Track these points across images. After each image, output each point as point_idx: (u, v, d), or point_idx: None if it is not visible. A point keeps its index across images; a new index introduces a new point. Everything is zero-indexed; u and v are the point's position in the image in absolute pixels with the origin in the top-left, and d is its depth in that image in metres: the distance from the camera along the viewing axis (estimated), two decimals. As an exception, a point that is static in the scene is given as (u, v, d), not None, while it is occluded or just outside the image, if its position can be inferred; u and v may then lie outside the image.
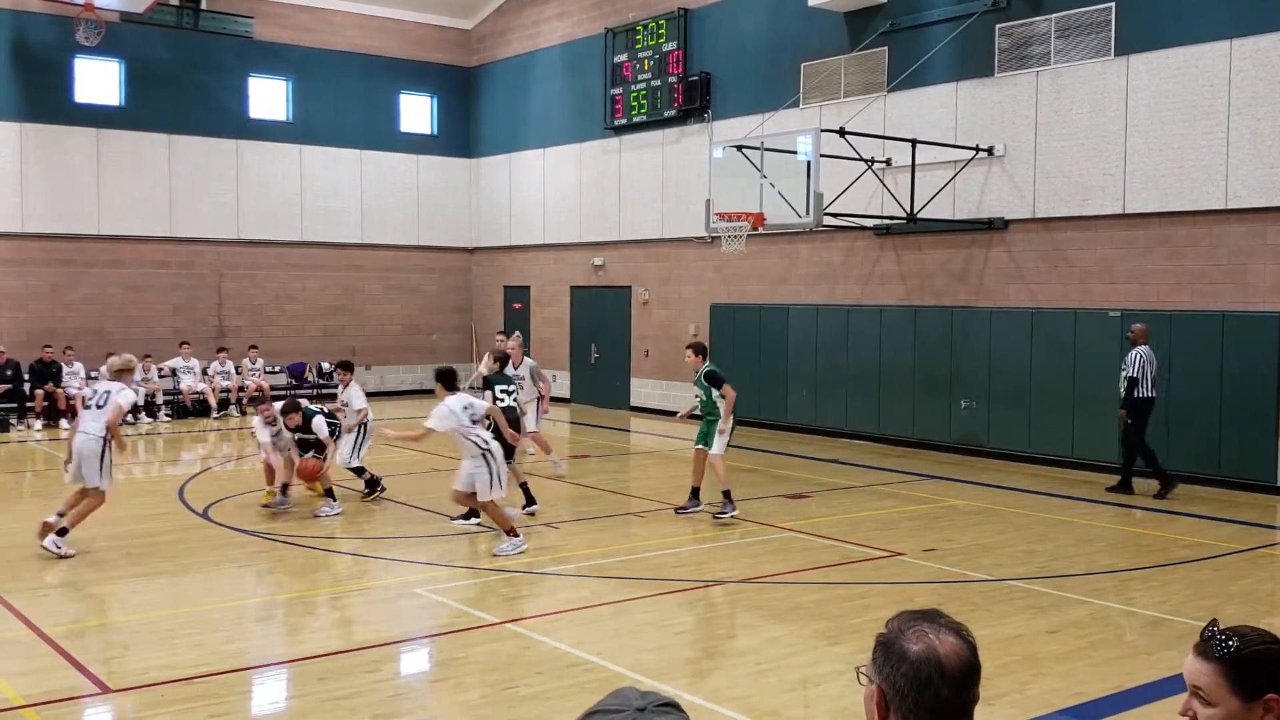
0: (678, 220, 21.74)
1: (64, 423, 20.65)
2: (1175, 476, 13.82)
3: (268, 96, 24.87)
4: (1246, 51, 13.96)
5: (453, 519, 12.03)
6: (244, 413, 22.66)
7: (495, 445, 10.86)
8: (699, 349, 12.41)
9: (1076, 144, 15.64)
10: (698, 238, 20.88)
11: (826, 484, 14.63)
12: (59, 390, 20.80)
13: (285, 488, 12.47)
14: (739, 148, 15.99)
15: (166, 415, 21.86)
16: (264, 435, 12.61)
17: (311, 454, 12.39)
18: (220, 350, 23.17)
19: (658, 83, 22.02)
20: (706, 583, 9.62)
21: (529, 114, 25.60)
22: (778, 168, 15.59)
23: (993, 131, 16.59)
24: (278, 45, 24.61)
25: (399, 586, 9.59)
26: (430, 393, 26.14)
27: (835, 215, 15.97)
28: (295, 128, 25.00)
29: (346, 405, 13.29)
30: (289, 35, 24.81)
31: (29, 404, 20.68)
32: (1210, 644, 2.33)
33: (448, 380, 11.14)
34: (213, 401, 22.26)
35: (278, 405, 12.71)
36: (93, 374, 21.47)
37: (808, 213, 14.94)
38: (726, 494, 12.07)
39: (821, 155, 15.10)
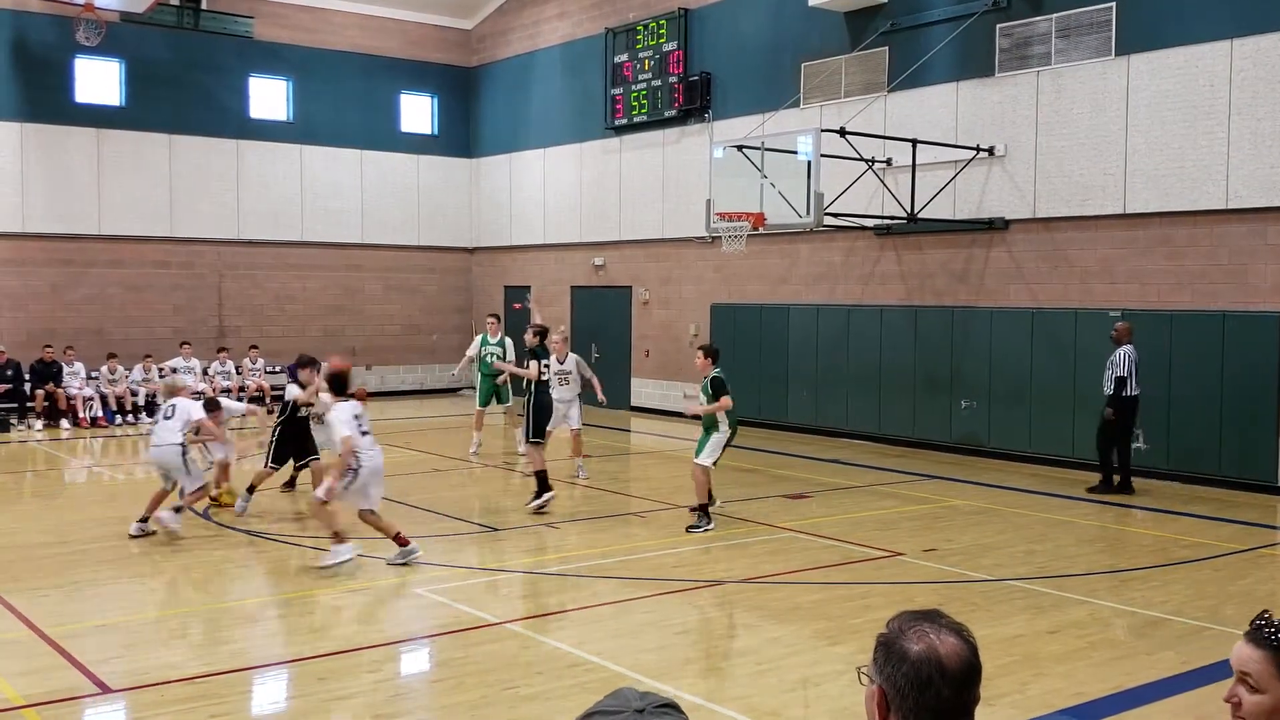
0: (678, 220, 21.74)
1: (64, 423, 20.67)
2: (1131, 483, 13.96)
3: (268, 96, 24.88)
4: (1247, 51, 13.96)
5: (526, 504, 12.51)
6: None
7: (371, 462, 10.04)
8: (710, 352, 11.92)
9: (1077, 144, 15.64)
10: (698, 238, 20.88)
11: (827, 484, 14.63)
12: (59, 390, 20.81)
13: (252, 489, 12.29)
14: (739, 148, 15.99)
15: (166, 417, 21.80)
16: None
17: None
18: (220, 350, 23.17)
19: (658, 83, 22.02)
20: (706, 583, 9.61)
21: (529, 114, 25.60)
22: (778, 168, 15.59)
23: (993, 131, 16.59)
24: (278, 45, 24.62)
25: (399, 586, 9.59)
26: (429, 393, 26.28)
27: (836, 215, 15.97)
28: (295, 128, 25.01)
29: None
30: (289, 35, 24.82)
31: (29, 404, 20.68)
32: (1262, 630, 2.35)
33: (338, 385, 10.46)
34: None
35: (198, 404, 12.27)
36: (93, 374, 21.49)
37: (808, 213, 14.94)
38: (702, 507, 11.57)
39: (822, 155, 15.09)
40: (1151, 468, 14.76)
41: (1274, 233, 13.89)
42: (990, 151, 16.57)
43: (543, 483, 12.54)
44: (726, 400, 11.59)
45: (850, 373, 18.52)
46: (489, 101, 26.88)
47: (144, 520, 11.15)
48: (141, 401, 21.61)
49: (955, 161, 16.76)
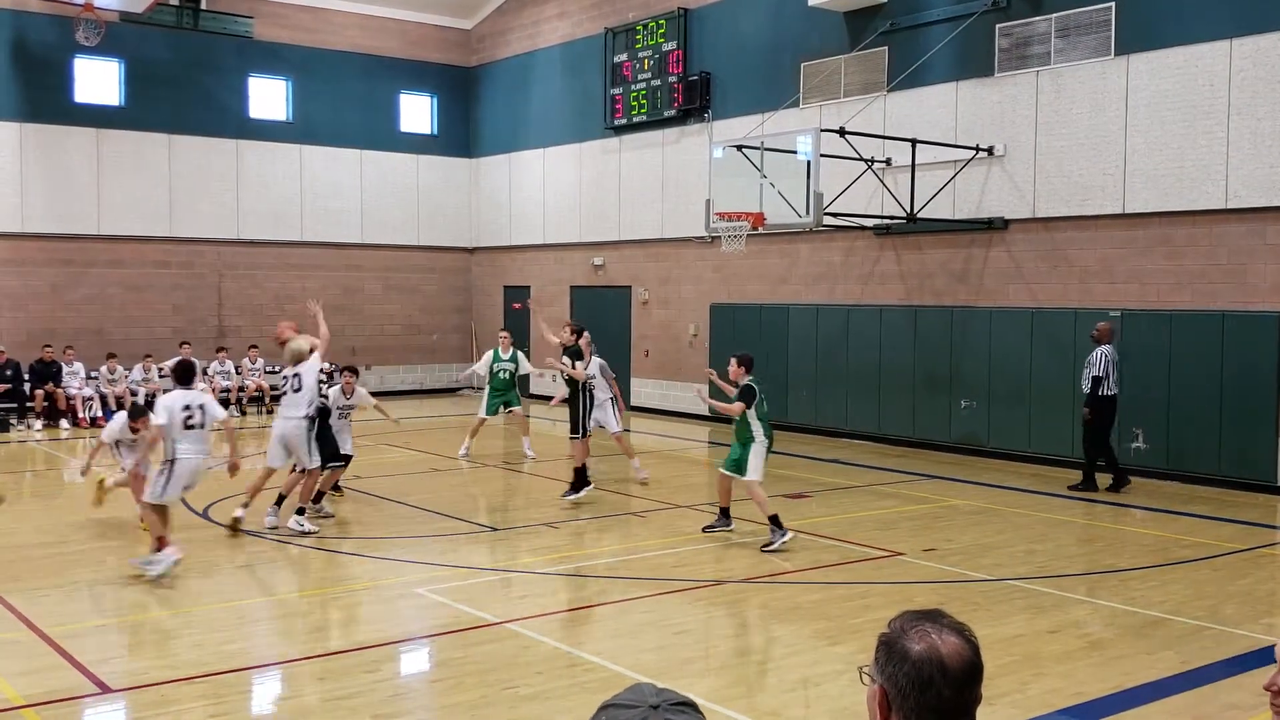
0: (678, 220, 21.74)
1: (64, 423, 20.66)
2: (1128, 473, 14.12)
3: (268, 96, 24.87)
4: (1246, 51, 13.96)
5: (561, 495, 12.61)
6: (244, 413, 22.67)
7: (190, 461, 9.61)
8: (743, 360, 11.30)
9: (1076, 144, 15.64)
10: (698, 238, 20.88)
11: (826, 484, 14.63)
12: (59, 390, 20.81)
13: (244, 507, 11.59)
14: (739, 147, 15.99)
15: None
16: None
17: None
18: (220, 350, 23.17)
19: (658, 82, 22.02)
20: (706, 583, 9.61)
21: (529, 114, 25.60)
22: (778, 168, 15.59)
23: (993, 131, 16.59)
24: (278, 45, 24.61)
25: (399, 586, 9.59)
26: (429, 393, 26.28)
27: (835, 215, 15.97)
28: (295, 128, 25.00)
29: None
30: (289, 35, 24.81)
31: (29, 404, 20.68)
32: None
33: (183, 375, 9.94)
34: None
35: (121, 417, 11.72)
36: (92, 374, 21.48)
37: (808, 213, 14.94)
38: (773, 519, 10.80)
39: (821, 155, 15.09)
40: (1151, 467, 14.78)
41: (1273, 232, 13.89)
42: (990, 151, 16.57)
43: (580, 477, 12.90)
44: (735, 407, 11.04)
45: (850, 373, 18.52)
46: (489, 101, 26.88)
47: (245, 505, 11.26)
48: (141, 401, 21.59)
49: (955, 161, 16.76)
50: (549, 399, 17.46)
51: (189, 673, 7.17)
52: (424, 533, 11.70)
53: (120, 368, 21.65)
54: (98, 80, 22.81)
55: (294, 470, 11.82)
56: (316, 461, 11.34)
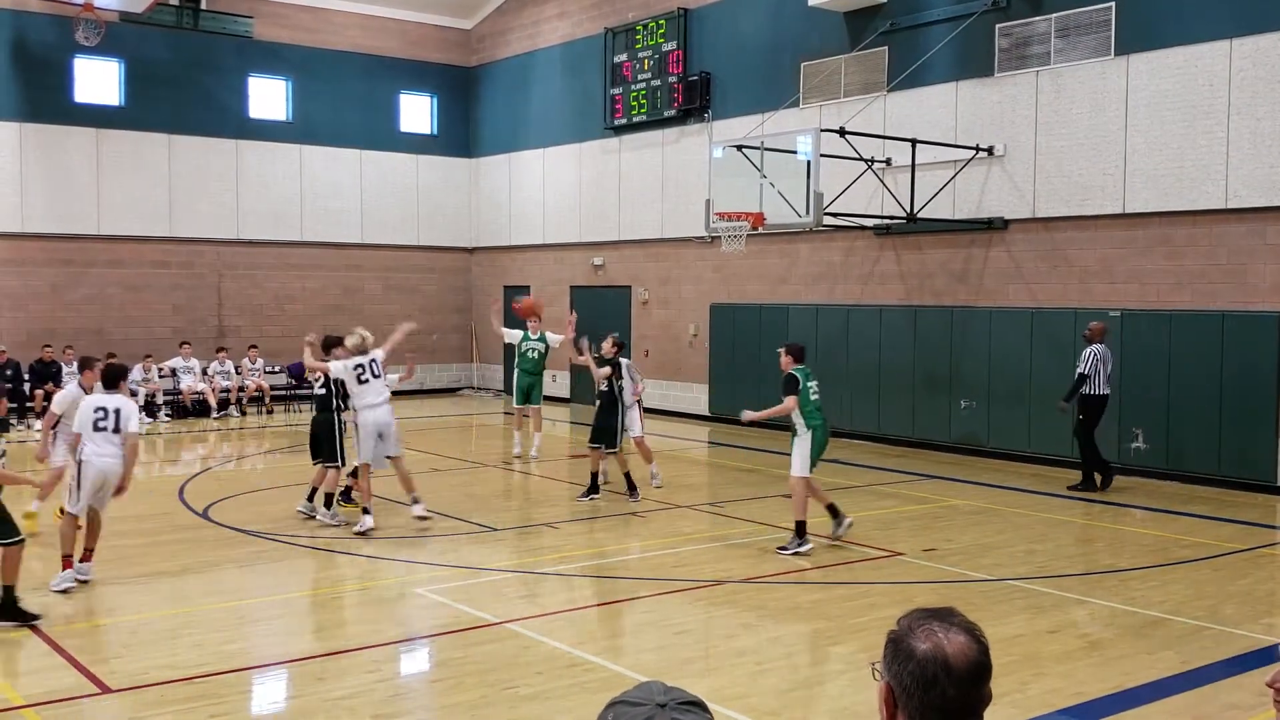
0: (678, 220, 21.73)
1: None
2: (1124, 473, 14.30)
3: (268, 96, 24.87)
4: (1246, 51, 13.96)
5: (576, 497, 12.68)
6: (244, 413, 22.67)
7: (98, 463, 9.11)
8: (791, 349, 10.98)
9: (1076, 144, 15.64)
10: (698, 237, 20.88)
11: (826, 484, 14.57)
12: (59, 390, 20.78)
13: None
14: (739, 147, 15.99)
15: (166, 415, 21.86)
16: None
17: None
18: (220, 350, 23.17)
19: (658, 82, 22.02)
20: (706, 583, 9.61)
21: (529, 114, 25.60)
22: (778, 168, 15.59)
23: (993, 131, 16.59)
24: (278, 45, 24.61)
25: (399, 586, 9.59)
26: (429, 393, 26.26)
27: (835, 215, 15.97)
28: (295, 128, 25.00)
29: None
30: (289, 35, 24.81)
31: (29, 404, 20.67)
32: None
33: (107, 378, 9.40)
34: (212, 401, 22.27)
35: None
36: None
37: (808, 212, 14.94)
38: (799, 525, 10.63)
39: (821, 155, 15.09)
40: (1151, 467, 14.78)
41: (1273, 232, 13.89)
42: (989, 151, 16.57)
43: (594, 482, 13.20)
44: (788, 403, 10.67)
45: (850, 373, 18.51)
46: (489, 101, 26.88)
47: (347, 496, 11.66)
48: (141, 401, 21.59)
49: (954, 161, 16.76)
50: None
51: (189, 673, 7.17)
52: (425, 533, 11.70)
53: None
54: (98, 80, 22.81)
55: (316, 464, 12.13)
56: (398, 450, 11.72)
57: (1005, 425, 16.45)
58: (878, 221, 17.36)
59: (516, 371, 16.74)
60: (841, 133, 15.47)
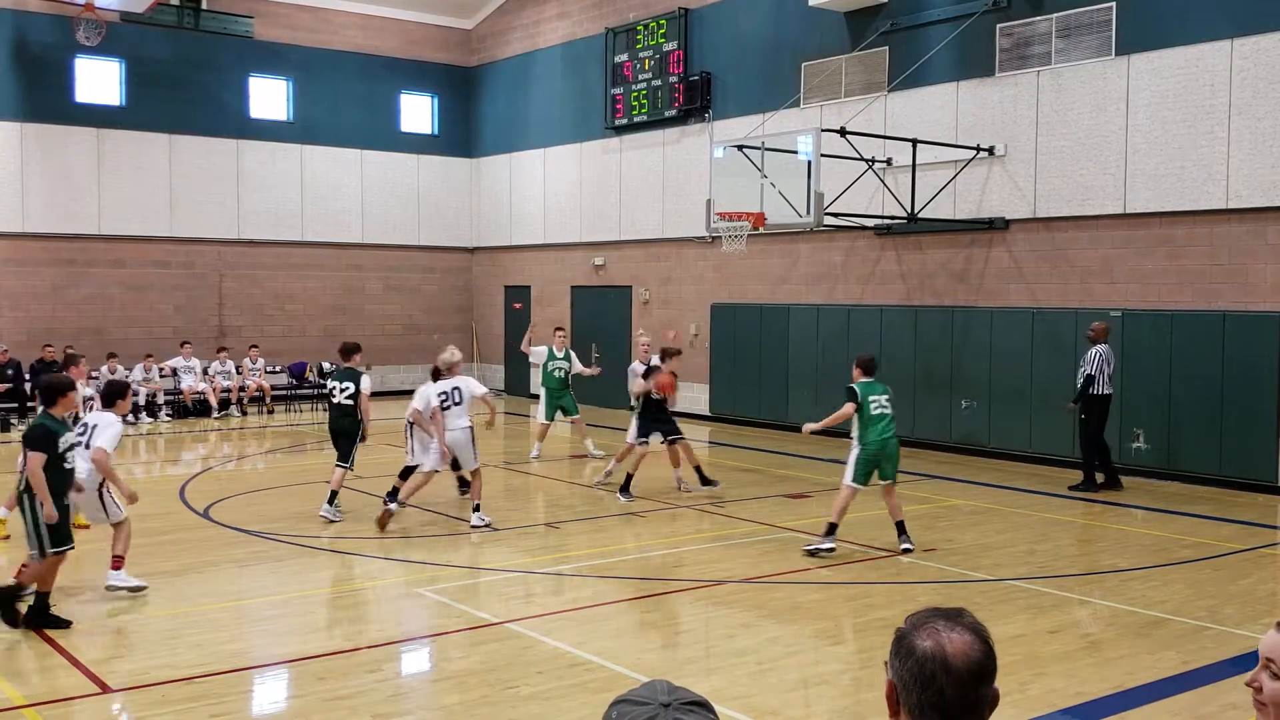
0: (678, 220, 21.74)
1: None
2: (1128, 474, 14.28)
3: (268, 96, 24.88)
4: (1247, 51, 13.96)
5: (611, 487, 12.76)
6: (244, 413, 22.68)
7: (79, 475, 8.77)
8: (859, 362, 11.01)
9: (1077, 144, 15.64)
10: (698, 237, 20.88)
11: (826, 484, 14.61)
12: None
13: None
14: (739, 147, 15.99)
15: (167, 415, 21.87)
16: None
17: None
18: (220, 350, 23.17)
19: (658, 82, 22.02)
20: (706, 583, 9.61)
21: (529, 114, 25.60)
22: (778, 167, 15.59)
23: (993, 131, 16.58)
24: (278, 45, 24.61)
25: (399, 586, 9.59)
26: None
27: (836, 215, 15.96)
28: (296, 128, 25.01)
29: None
30: (289, 35, 24.82)
31: (30, 404, 20.68)
32: None
33: (106, 398, 9.18)
34: (213, 401, 22.27)
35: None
36: (93, 374, 21.46)
37: (808, 212, 14.94)
38: (831, 526, 10.69)
39: (822, 155, 15.09)
40: (1151, 467, 14.78)
41: (1274, 232, 13.89)
42: (990, 151, 16.56)
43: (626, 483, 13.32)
44: (840, 411, 10.73)
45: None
46: (489, 101, 26.88)
47: (394, 494, 11.82)
48: (142, 401, 21.60)
49: (955, 161, 16.75)
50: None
51: (189, 673, 7.17)
52: (424, 533, 11.70)
53: (121, 368, 21.62)
54: (98, 80, 22.82)
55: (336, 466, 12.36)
56: (478, 463, 12.01)
57: (1006, 425, 16.44)
58: (878, 221, 17.36)
59: (544, 390, 16.81)
60: (842, 133, 15.47)
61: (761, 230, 15.86)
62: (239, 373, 23.06)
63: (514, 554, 10.85)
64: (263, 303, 24.76)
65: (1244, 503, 13.34)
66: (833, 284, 19.22)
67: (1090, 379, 13.77)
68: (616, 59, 22.94)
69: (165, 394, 22.06)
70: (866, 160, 16.15)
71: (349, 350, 12.63)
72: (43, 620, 8.01)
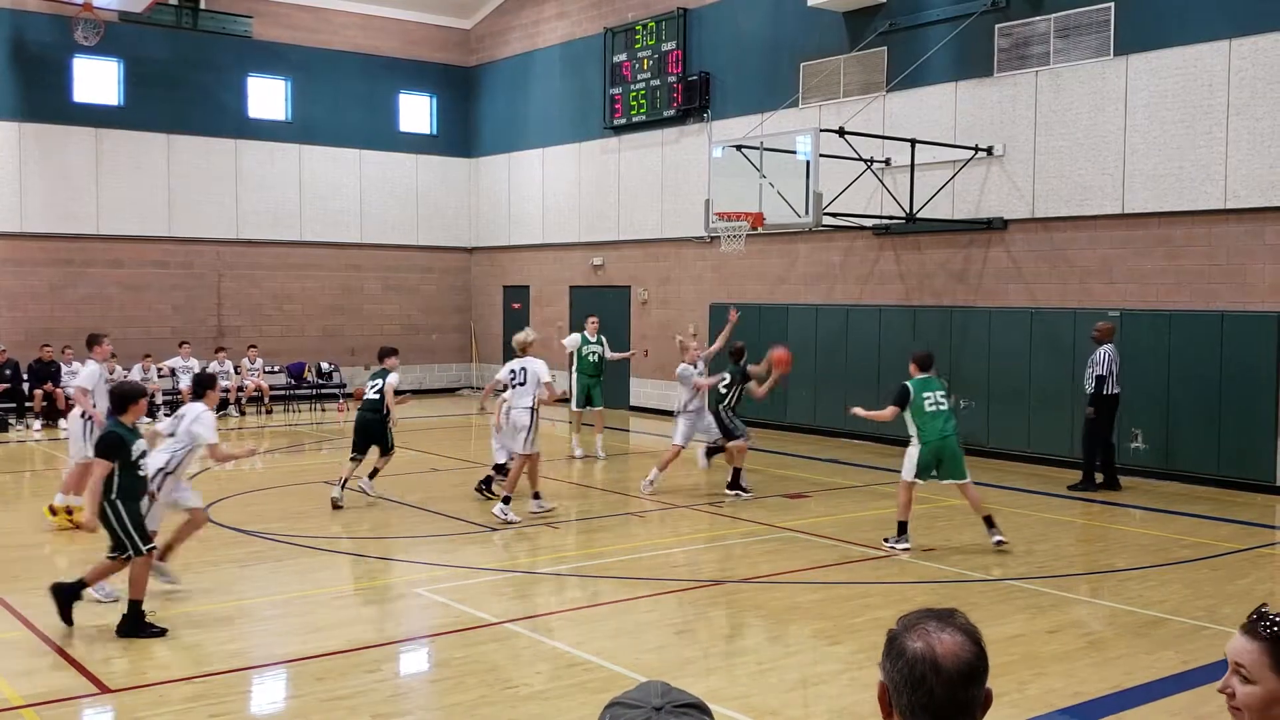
0: (677, 220, 21.74)
1: (63, 422, 20.62)
2: (1127, 473, 14.33)
3: (267, 96, 24.87)
4: (1245, 51, 13.97)
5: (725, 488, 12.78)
6: (243, 413, 22.67)
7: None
8: (915, 359, 10.90)
9: (1076, 144, 15.65)
10: (697, 237, 20.89)
11: (826, 484, 14.62)
12: (58, 390, 20.79)
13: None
14: (738, 147, 15.99)
15: (166, 415, 21.83)
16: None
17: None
18: (219, 350, 23.15)
19: (657, 82, 22.03)
20: (706, 583, 9.62)
21: (528, 114, 25.60)
22: (777, 167, 15.59)
23: (992, 131, 16.59)
24: (277, 45, 24.61)
25: (399, 586, 9.59)
26: (429, 392, 26.26)
27: (834, 215, 15.97)
28: (294, 128, 25.00)
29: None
30: (288, 35, 24.81)
31: (28, 404, 20.68)
32: (1258, 624, 2.40)
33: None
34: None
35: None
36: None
37: (807, 213, 14.94)
38: (899, 525, 10.78)
39: (821, 155, 15.10)
40: (1150, 467, 14.79)
41: (1272, 233, 13.90)
42: (989, 151, 16.57)
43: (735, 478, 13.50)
44: (882, 411, 10.79)
45: (849, 373, 18.52)
46: (488, 101, 26.88)
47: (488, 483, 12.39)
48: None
49: (954, 161, 16.76)
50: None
51: (189, 673, 7.18)
52: (424, 533, 11.71)
53: (119, 368, 21.60)
54: (97, 80, 22.81)
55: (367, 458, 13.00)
56: (535, 448, 12.11)
57: (1004, 425, 16.45)
58: (877, 222, 17.37)
59: (576, 375, 17.02)
60: (841, 133, 15.47)
61: (760, 230, 15.87)
62: (237, 373, 23.05)
63: (513, 554, 10.85)
64: (261, 303, 24.75)
65: (1242, 503, 13.36)
66: (831, 284, 19.23)
67: (1102, 379, 13.76)
68: (615, 59, 22.94)
69: (163, 394, 22.04)
70: (865, 160, 16.16)
71: (384, 353, 13.63)
72: (137, 629, 7.87)
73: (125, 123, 22.95)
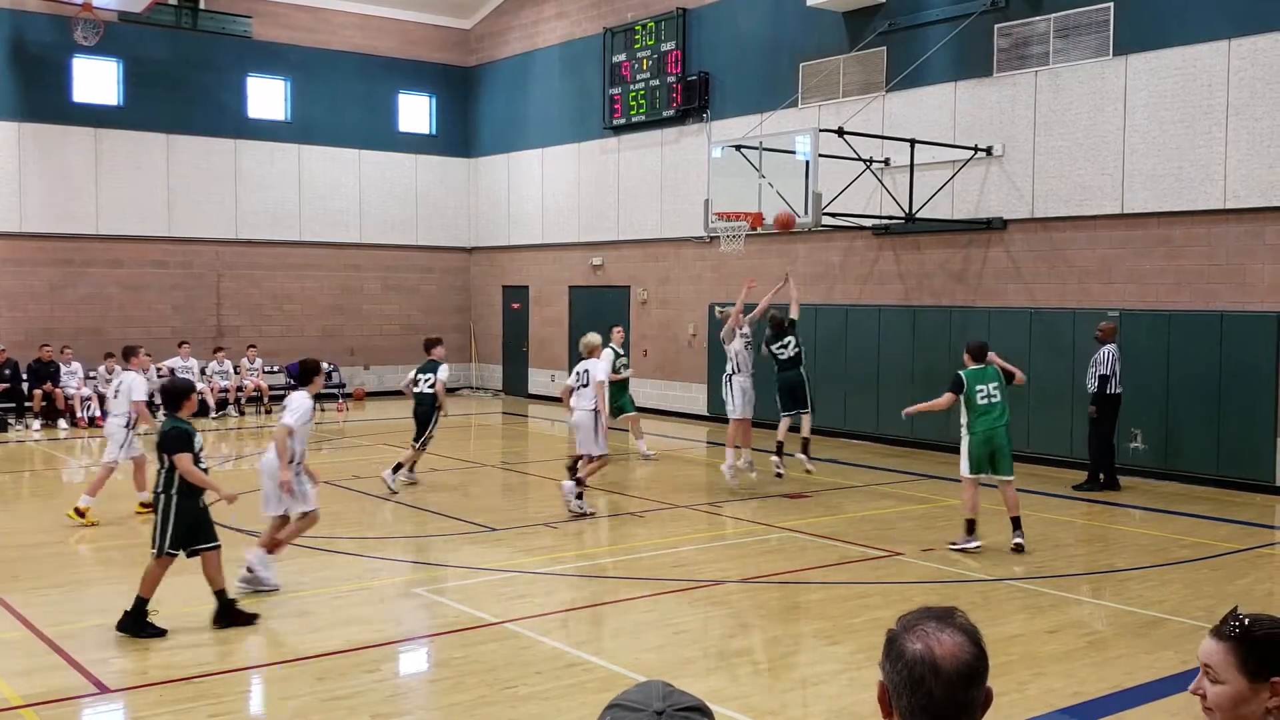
0: (676, 220, 21.74)
1: (62, 423, 20.65)
2: (1127, 474, 14.39)
3: (266, 96, 24.87)
4: (1244, 51, 13.97)
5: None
6: (242, 412, 22.66)
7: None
8: (968, 348, 10.98)
9: (1075, 144, 15.65)
10: (696, 237, 20.89)
11: (826, 484, 14.62)
12: (57, 390, 20.80)
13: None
14: (738, 147, 15.99)
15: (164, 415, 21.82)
16: None
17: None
18: (217, 350, 23.15)
19: (656, 82, 22.03)
20: (706, 583, 9.62)
21: (527, 114, 25.60)
22: (776, 168, 15.59)
23: (991, 131, 16.60)
24: (276, 45, 24.60)
25: (399, 586, 9.59)
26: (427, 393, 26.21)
27: (834, 215, 15.97)
28: (294, 128, 25.00)
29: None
30: (288, 35, 24.81)
31: (27, 404, 20.67)
32: (1224, 624, 2.43)
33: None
34: (211, 402, 22.24)
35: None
36: (90, 374, 21.45)
37: (806, 213, 14.94)
38: (967, 523, 10.73)
39: (820, 155, 15.10)
40: (1149, 467, 14.80)
41: (1271, 233, 13.90)
42: (988, 151, 16.58)
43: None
44: (939, 399, 10.81)
45: (848, 373, 18.52)
46: (487, 101, 26.88)
47: (578, 484, 12.44)
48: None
49: (953, 161, 16.77)
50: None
51: (189, 673, 7.18)
52: (424, 533, 11.70)
53: (119, 367, 21.60)
54: (96, 80, 22.81)
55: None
56: (603, 449, 12.48)
57: (1004, 425, 16.43)
58: (876, 222, 17.37)
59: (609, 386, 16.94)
60: (840, 133, 15.48)
61: (759, 230, 15.87)
62: (237, 372, 23.05)
63: (512, 554, 10.85)
64: (261, 303, 24.75)
65: (1242, 502, 13.36)
66: (831, 284, 19.23)
67: (1105, 379, 13.78)
68: (615, 59, 22.94)
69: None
70: (864, 160, 16.16)
71: (430, 344, 14.41)
72: (138, 627, 7.92)
73: (125, 123, 22.94)
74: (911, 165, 16.39)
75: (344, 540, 11.34)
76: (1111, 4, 15.22)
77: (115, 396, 12.50)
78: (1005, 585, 9.53)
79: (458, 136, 27.25)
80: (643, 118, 22.30)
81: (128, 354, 13.03)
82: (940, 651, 2.05)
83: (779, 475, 14.24)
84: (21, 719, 6.41)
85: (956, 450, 16.76)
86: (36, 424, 20.34)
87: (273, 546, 9.22)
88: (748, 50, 20.39)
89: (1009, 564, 10.30)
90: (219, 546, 8.28)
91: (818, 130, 15.32)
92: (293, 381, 9.58)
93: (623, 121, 22.72)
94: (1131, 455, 14.87)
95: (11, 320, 21.92)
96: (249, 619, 8.20)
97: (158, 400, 19.65)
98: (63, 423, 20.70)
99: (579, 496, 12.21)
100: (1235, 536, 11.60)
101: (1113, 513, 12.99)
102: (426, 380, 14.00)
